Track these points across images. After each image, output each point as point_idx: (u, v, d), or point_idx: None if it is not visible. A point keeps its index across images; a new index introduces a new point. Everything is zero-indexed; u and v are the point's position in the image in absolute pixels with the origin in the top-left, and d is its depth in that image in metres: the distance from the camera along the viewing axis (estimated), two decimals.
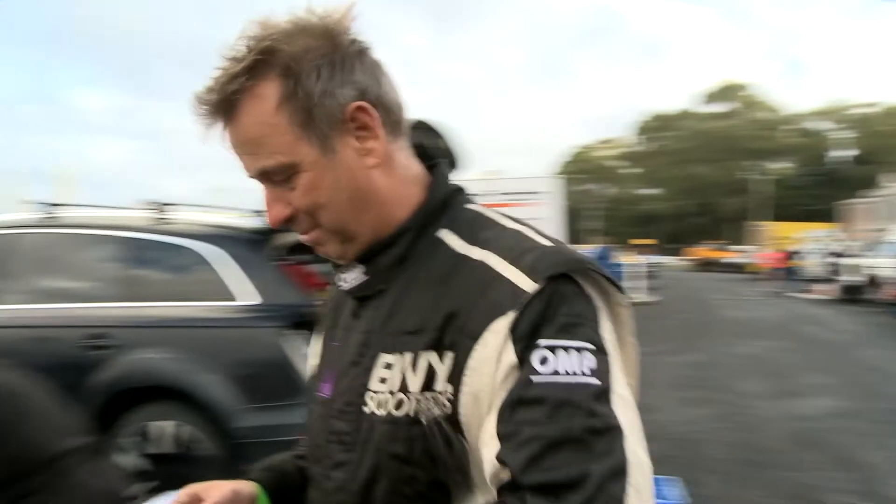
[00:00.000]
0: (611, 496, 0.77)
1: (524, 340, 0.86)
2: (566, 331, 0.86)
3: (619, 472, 0.79)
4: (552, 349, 0.84)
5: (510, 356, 0.86)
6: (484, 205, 1.09)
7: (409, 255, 1.03)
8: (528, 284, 0.88)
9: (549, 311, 0.87)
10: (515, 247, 0.95)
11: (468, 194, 1.10)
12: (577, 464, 0.79)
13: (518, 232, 0.99)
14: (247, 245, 4.69)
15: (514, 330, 0.86)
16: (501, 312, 0.88)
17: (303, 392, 4.21)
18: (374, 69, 1.01)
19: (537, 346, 0.85)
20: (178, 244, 4.71)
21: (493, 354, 0.87)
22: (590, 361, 0.84)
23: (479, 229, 1.01)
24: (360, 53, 0.99)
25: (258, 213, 4.93)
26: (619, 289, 0.94)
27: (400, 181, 1.04)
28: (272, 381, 4.35)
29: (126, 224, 4.95)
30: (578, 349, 0.85)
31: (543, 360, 0.84)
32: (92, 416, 4.43)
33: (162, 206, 4.95)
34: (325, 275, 5.23)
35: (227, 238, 4.73)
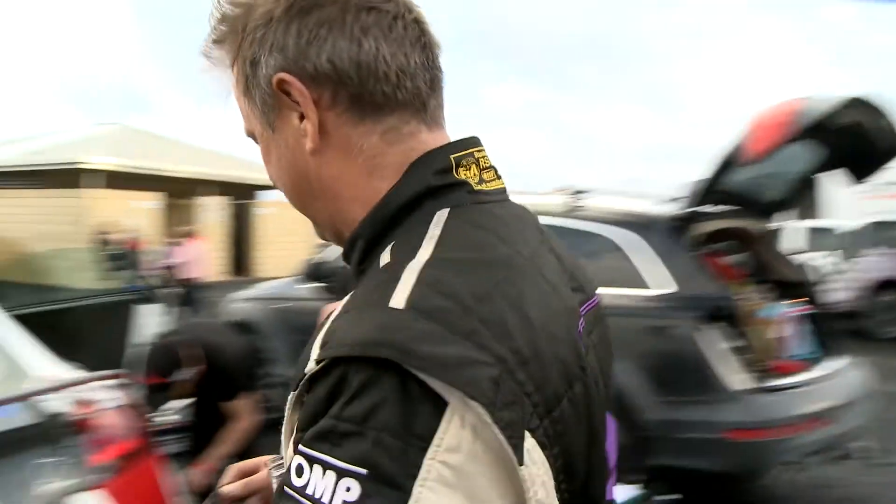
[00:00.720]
0: None
1: (298, 432, 0.64)
2: (328, 440, 0.60)
3: None
4: (309, 460, 0.60)
5: (290, 442, 0.66)
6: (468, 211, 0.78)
7: (366, 268, 0.79)
8: (314, 359, 0.64)
9: (323, 407, 0.62)
10: (367, 293, 0.70)
11: (459, 193, 0.80)
12: None
13: (396, 274, 0.69)
14: (663, 232, 4.58)
15: (298, 412, 0.66)
16: (294, 386, 0.67)
17: (717, 389, 4.11)
18: (332, 26, 0.77)
19: (298, 451, 0.62)
20: (591, 230, 4.75)
21: (286, 430, 0.69)
22: (350, 493, 0.58)
23: (405, 249, 0.73)
24: (307, 9, 0.78)
25: (674, 200, 4.81)
26: (465, 388, 0.60)
27: (360, 173, 0.81)
28: (684, 375, 4.23)
29: (540, 210, 5.01)
30: (340, 471, 0.58)
31: (299, 471, 0.61)
32: None
33: (576, 192, 5.01)
34: (743, 265, 4.94)
35: (641, 225, 4.67)
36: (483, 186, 0.81)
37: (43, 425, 2.37)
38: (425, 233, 0.74)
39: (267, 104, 0.81)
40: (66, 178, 21.86)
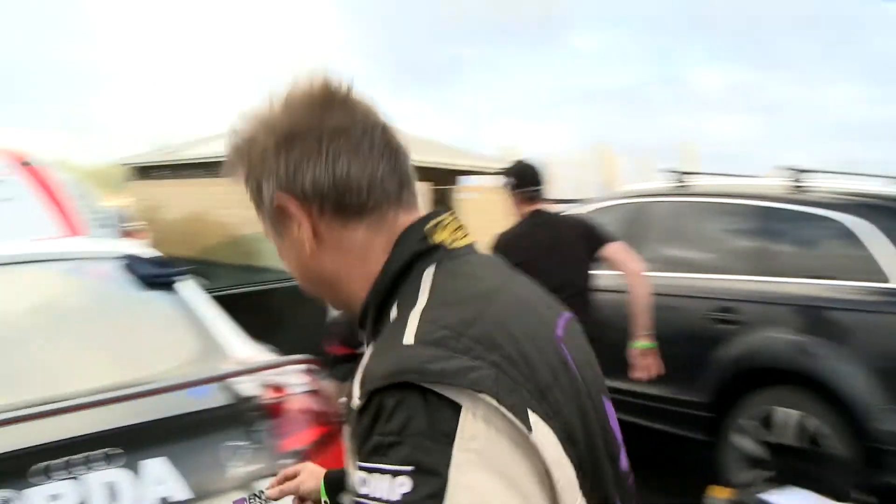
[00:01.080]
0: None
1: (356, 457, 0.83)
2: (379, 453, 0.79)
3: None
4: (368, 471, 0.79)
5: (353, 466, 0.85)
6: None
7: (380, 326, 0.98)
8: (357, 397, 0.84)
9: (370, 430, 0.81)
10: (385, 339, 0.91)
11: (438, 252, 1.00)
12: None
13: (404, 321, 0.89)
14: None
15: (353, 439, 0.85)
16: (348, 419, 0.88)
17: None
18: (310, 156, 0.98)
19: (358, 468, 0.81)
20: (817, 214, 4.28)
21: (347, 454, 0.91)
22: (404, 487, 0.76)
23: (407, 303, 0.94)
24: (291, 143, 0.98)
25: None
26: (484, 393, 0.80)
27: (354, 262, 1.02)
28: None
29: (759, 193, 4.69)
30: (393, 473, 0.77)
31: (363, 482, 0.80)
32: (713, 391, 4.33)
33: (799, 173, 4.53)
34: None
35: (879, 209, 4.14)
36: (455, 244, 1.02)
37: (236, 407, 2.37)
38: (419, 287, 0.94)
39: (273, 218, 1.02)
40: None
